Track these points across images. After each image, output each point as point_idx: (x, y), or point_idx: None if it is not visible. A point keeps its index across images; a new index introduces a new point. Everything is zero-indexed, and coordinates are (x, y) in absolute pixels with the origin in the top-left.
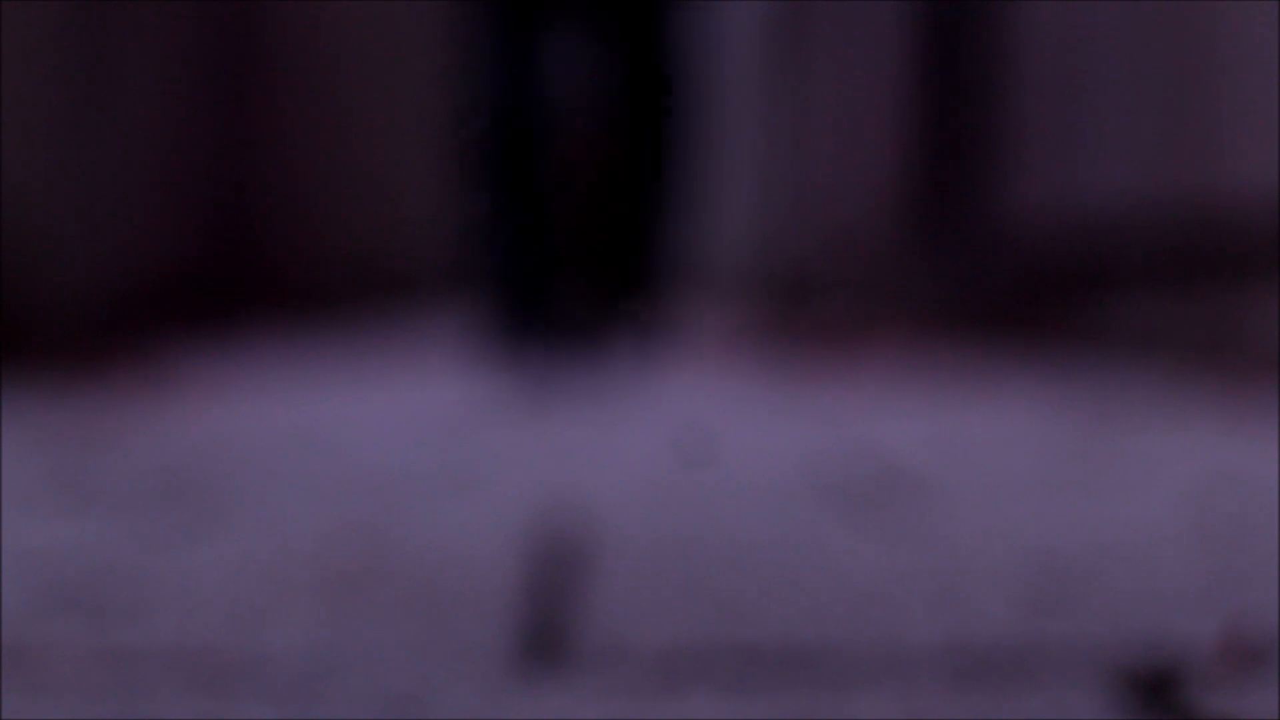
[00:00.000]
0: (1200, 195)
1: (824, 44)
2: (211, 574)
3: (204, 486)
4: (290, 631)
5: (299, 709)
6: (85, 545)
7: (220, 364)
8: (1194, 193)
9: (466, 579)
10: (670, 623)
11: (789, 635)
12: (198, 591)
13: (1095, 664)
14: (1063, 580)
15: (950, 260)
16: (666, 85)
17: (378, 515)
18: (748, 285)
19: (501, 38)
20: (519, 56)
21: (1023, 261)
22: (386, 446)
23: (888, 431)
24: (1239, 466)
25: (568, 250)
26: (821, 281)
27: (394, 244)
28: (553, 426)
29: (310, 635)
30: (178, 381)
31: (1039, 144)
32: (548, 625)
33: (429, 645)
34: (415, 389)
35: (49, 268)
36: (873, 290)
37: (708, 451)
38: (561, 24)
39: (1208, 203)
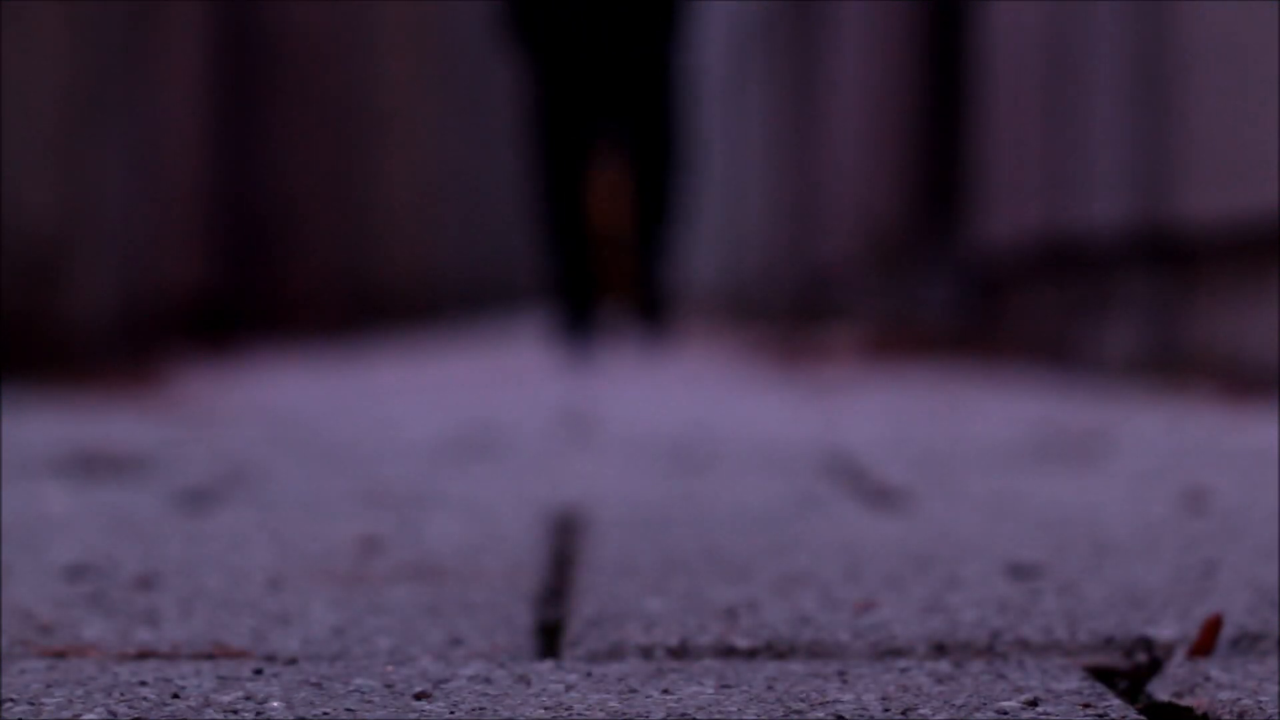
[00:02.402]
0: (1171, 221)
1: (813, 90)
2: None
3: (234, 477)
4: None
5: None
6: (102, 542)
7: (234, 378)
8: (1167, 219)
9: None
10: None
11: (776, 603)
12: (216, 583)
13: (1077, 651)
14: (1039, 572)
15: (934, 286)
16: (672, 158)
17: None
18: (752, 308)
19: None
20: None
21: (1002, 286)
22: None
23: (867, 425)
24: (1212, 473)
25: (599, 278)
26: (815, 306)
27: (407, 269)
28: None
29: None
30: (199, 396)
31: (1018, 175)
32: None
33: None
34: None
35: (65, 288)
36: (861, 314)
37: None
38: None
39: (1179, 228)
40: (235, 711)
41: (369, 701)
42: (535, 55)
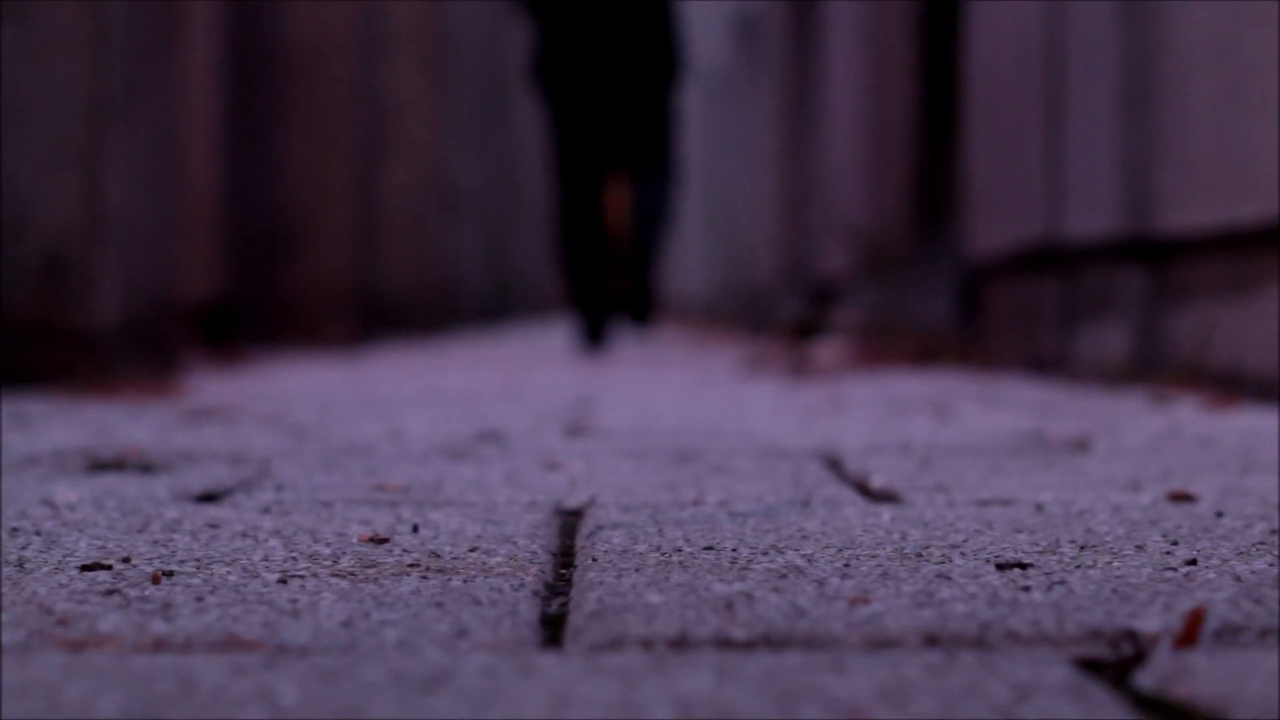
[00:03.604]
0: (1158, 233)
1: (809, 101)
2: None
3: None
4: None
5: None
6: (117, 539)
7: (246, 383)
8: (1155, 230)
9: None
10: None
11: (772, 590)
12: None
13: (1065, 643)
14: (1027, 567)
15: (928, 294)
16: (667, 180)
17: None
18: (750, 316)
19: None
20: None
21: (993, 294)
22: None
23: (861, 427)
24: (1195, 474)
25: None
26: (812, 314)
27: (418, 278)
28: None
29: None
30: (211, 400)
31: (1010, 185)
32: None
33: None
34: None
35: (83, 294)
36: (856, 321)
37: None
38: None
39: (1165, 239)
40: (248, 702)
41: (378, 692)
42: (558, 92)
